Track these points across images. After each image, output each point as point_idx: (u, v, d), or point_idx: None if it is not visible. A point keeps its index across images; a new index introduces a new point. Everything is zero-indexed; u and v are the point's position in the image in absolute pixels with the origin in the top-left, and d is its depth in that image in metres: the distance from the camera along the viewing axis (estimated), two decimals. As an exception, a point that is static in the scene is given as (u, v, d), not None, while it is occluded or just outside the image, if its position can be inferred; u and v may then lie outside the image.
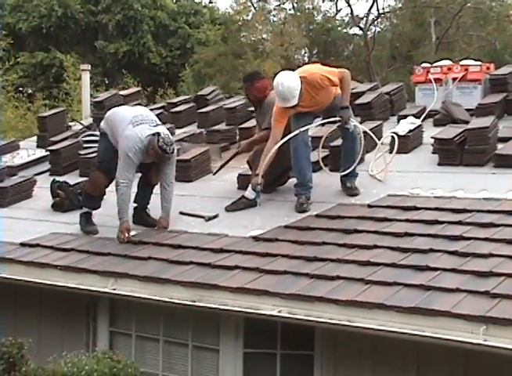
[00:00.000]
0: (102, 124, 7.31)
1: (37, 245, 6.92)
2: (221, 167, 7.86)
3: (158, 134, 6.71)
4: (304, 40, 27.91)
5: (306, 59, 29.09)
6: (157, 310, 5.99)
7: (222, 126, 9.94)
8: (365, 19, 29.41)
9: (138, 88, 13.18)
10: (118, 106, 8.31)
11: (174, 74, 29.48)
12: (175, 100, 11.90)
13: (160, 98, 23.35)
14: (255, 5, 29.73)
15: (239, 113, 10.06)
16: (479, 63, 9.88)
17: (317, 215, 6.58)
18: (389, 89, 9.75)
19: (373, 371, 5.15)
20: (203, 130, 9.86)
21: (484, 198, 6.33)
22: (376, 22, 30.08)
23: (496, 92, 9.00)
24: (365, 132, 7.27)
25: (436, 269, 5.05)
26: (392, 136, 7.67)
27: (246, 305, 5.27)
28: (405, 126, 8.20)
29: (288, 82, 6.67)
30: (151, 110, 8.14)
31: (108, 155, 7.07)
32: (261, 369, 5.67)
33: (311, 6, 29.88)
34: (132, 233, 6.85)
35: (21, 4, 29.24)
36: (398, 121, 8.56)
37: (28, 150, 10.45)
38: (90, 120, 11.69)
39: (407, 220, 6.05)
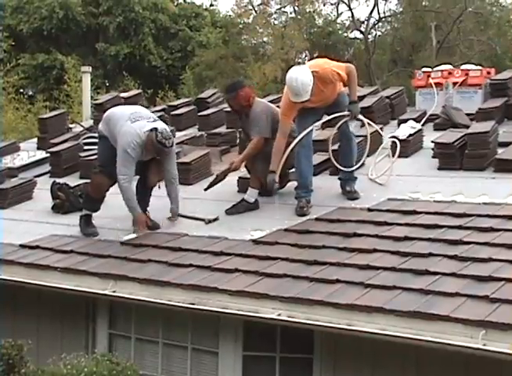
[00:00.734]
0: (100, 126, 7.32)
1: (37, 247, 6.93)
2: (213, 184, 7.53)
3: (156, 129, 6.79)
4: (305, 43, 27.96)
5: (307, 62, 29.11)
6: (157, 313, 5.99)
7: (223, 129, 9.95)
8: (366, 23, 29.50)
9: (139, 91, 13.18)
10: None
11: (174, 77, 29.50)
12: (176, 103, 11.92)
13: (161, 100, 23.39)
14: (256, 9, 29.79)
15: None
16: (480, 67, 9.90)
17: (317, 219, 6.58)
18: (389, 93, 9.75)
19: (371, 375, 5.15)
20: (203, 133, 9.87)
21: (484, 203, 6.34)
22: (376, 26, 30.21)
23: (497, 97, 9.00)
24: (375, 131, 7.38)
25: (436, 273, 5.05)
26: (394, 142, 7.67)
27: (246, 309, 5.27)
28: (405, 130, 8.20)
29: (302, 78, 6.69)
30: (152, 112, 8.14)
31: (109, 157, 7.06)
32: (260, 372, 5.67)
33: (312, 10, 29.95)
34: (132, 236, 6.86)
35: (22, 5, 29.25)
36: (399, 125, 8.57)
37: (28, 152, 10.46)
38: (90, 122, 11.69)
39: (407, 224, 6.05)
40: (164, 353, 6.10)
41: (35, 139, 11.32)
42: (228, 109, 10.28)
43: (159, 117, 8.09)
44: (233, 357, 5.65)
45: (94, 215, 7.30)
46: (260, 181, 7.16)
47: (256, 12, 29.67)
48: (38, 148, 10.73)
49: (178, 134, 9.93)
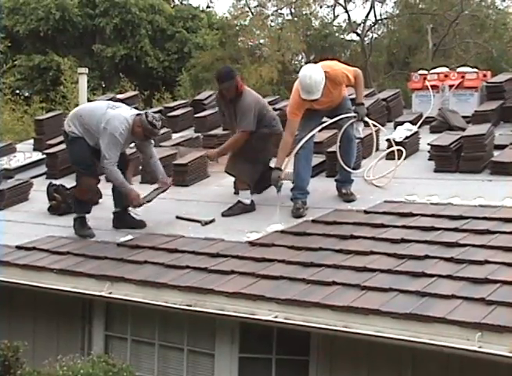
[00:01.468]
0: (69, 128, 7.09)
1: (33, 248, 6.92)
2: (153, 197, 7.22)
3: (146, 112, 6.96)
4: (302, 45, 28.00)
5: (303, 64, 29.14)
6: (153, 314, 5.99)
7: (219, 131, 9.94)
8: (362, 25, 29.53)
9: (136, 92, 13.17)
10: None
11: (171, 78, 29.51)
12: (172, 104, 11.93)
13: (157, 102, 23.41)
14: (253, 11, 29.81)
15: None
16: (476, 70, 9.92)
17: (313, 221, 6.58)
18: (386, 96, 9.77)
19: (368, 377, 5.16)
20: (200, 134, 9.87)
21: (480, 205, 6.35)
22: (373, 28, 30.24)
23: (493, 100, 9.04)
24: (377, 129, 7.48)
25: (432, 275, 5.06)
26: (399, 149, 7.63)
27: (242, 310, 5.27)
28: (401, 132, 8.21)
29: (315, 76, 6.71)
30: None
31: (88, 156, 7.07)
32: (256, 374, 5.67)
33: (308, 12, 29.98)
34: (128, 237, 6.86)
35: (19, 7, 29.22)
36: (395, 128, 8.58)
37: (25, 153, 10.44)
38: (87, 123, 11.66)
39: (403, 226, 6.06)
40: (160, 355, 6.10)
41: (31, 141, 11.30)
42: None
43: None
44: (229, 359, 5.65)
45: (89, 216, 7.29)
46: (245, 181, 7.23)
47: (253, 14, 29.71)
48: (35, 149, 10.71)
49: (174, 135, 9.93)
